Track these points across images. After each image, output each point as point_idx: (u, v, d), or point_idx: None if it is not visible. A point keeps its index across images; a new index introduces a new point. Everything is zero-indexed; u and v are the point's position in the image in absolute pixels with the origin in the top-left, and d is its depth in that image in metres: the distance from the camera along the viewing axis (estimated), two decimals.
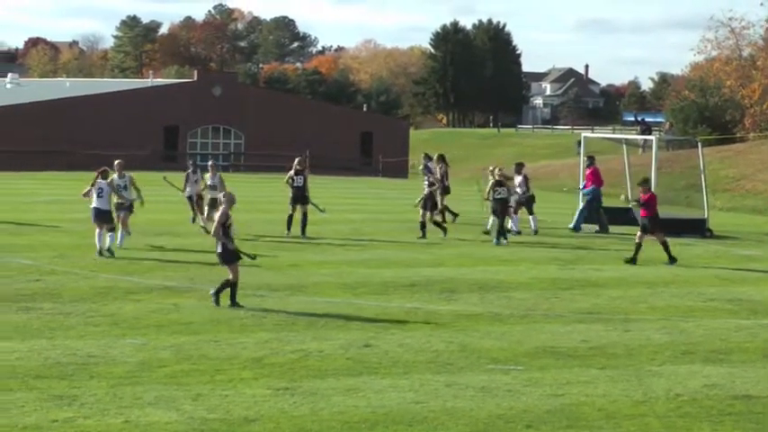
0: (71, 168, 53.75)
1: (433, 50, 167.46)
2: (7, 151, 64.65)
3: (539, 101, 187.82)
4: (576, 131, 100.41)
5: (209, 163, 32.38)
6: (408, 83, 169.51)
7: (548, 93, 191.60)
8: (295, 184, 30.29)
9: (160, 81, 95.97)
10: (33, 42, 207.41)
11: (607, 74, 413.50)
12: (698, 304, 21.36)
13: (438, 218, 31.48)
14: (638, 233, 26.92)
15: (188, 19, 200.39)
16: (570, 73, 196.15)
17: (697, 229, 34.11)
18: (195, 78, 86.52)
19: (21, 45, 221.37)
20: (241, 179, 33.79)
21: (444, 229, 30.74)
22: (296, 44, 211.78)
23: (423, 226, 30.23)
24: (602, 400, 13.87)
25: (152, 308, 19.18)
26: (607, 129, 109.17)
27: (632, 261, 26.42)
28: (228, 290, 19.42)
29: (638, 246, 26.62)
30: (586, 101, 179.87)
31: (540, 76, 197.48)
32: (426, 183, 30.93)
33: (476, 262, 26.21)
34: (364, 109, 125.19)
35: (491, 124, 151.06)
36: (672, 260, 26.63)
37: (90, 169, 29.38)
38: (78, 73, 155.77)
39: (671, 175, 50.44)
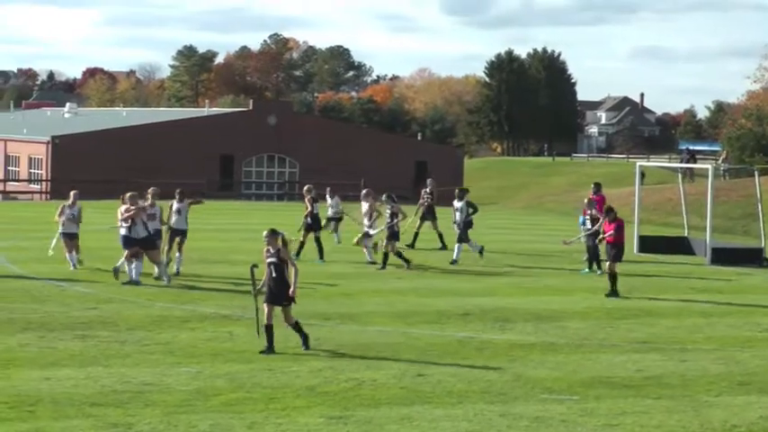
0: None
1: (487, 79, 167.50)
2: (66, 180, 65.34)
3: (594, 129, 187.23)
4: (631, 160, 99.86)
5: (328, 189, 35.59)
6: (463, 111, 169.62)
7: (603, 121, 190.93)
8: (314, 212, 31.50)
9: (216, 110, 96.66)
10: (91, 72, 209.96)
11: (663, 102, 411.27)
12: (755, 334, 21.15)
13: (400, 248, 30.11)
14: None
15: (244, 48, 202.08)
16: (626, 101, 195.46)
17: (754, 258, 33.81)
18: (251, 107, 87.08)
19: (79, 75, 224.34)
20: (295, 208, 33.93)
21: (407, 261, 29.61)
22: (351, 73, 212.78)
23: (385, 257, 29.54)
24: (658, 431, 13.75)
25: (207, 336, 19.27)
26: (663, 158, 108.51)
27: (613, 293, 25.35)
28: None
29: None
30: (642, 129, 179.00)
31: (595, 105, 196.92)
32: (389, 213, 29.89)
33: (528, 291, 26.12)
34: (419, 137, 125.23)
35: (545, 153, 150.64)
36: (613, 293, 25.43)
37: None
38: (135, 102, 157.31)
39: (727, 204, 50.04)
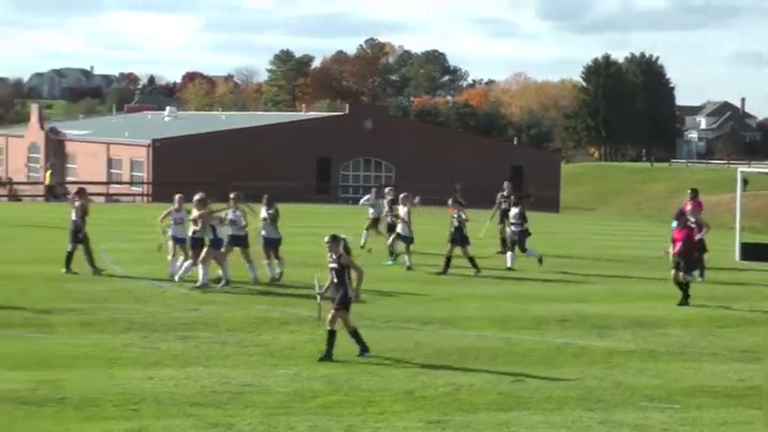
0: (225, 200, 54.66)
1: (584, 84, 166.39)
2: (166, 183, 66.20)
3: (693, 135, 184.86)
4: (731, 166, 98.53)
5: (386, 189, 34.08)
6: (559, 116, 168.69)
7: (702, 126, 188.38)
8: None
9: (313, 114, 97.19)
10: (191, 77, 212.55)
11: (764, 107, 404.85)
12: None
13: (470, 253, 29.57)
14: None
15: (340, 53, 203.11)
16: (726, 107, 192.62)
17: None
18: (347, 111, 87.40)
19: (179, 79, 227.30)
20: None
21: (477, 268, 29.12)
22: (446, 77, 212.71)
23: (447, 261, 29.12)
24: None
25: (305, 338, 19.40)
26: (765, 163, 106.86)
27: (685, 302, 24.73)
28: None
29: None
30: (743, 135, 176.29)
31: (694, 110, 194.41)
32: (455, 217, 29.35)
33: (627, 298, 25.87)
34: (515, 142, 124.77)
35: (643, 158, 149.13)
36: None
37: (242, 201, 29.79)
38: (233, 106, 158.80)
39: None
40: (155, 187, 68.45)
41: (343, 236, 18.11)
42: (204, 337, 19.28)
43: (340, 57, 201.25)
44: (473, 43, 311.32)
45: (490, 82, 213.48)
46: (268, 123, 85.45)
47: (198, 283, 24.76)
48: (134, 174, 77.58)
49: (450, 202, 29.97)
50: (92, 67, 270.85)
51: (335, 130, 79.99)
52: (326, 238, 18.02)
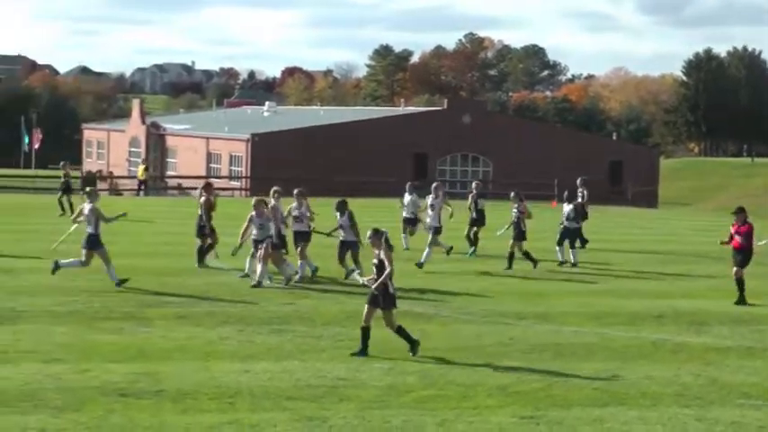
0: (322, 194, 55.01)
1: (685, 78, 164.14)
2: (264, 178, 66.76)
3: None
4: None
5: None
6: (659, 111, 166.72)
7: None
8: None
9: (411, 109, 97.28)
10: (290, 72, 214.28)
11: None
12: None
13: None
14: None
15: (439, 48, 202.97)
16: None
17: None
18: (445, 106, 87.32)
19: (278, 74, 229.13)
20: (489, 207, 33.86)
21: (535, 261, 29.00)
22: (545, 72, 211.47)
23: (511, 257, 28.97)
24: None
25: None
26: None
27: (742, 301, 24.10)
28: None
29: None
30: None
31: None
32: (515, 212, 29.36)
33: (724, 294, 25.42)
34: (614, 137, 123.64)
35: (744, 154, 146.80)
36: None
37: (339, 195, 29.93)
38: (332, 101, 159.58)
39: None
40: (253, 182, 69.04)
41: (383, 229, 17.86)
42: (299, 330, 19.42)
43: (439, 52, 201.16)
44: (572, 38, 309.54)
45: (590, 77, 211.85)
46: (366, 118, 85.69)
47: (253, 282, 24.41)
48: (233, 168, 78.36)
49: (512, 195, 29.75)
50: (193, 63, 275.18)
51: (433, 126, 79.97)
52: (368, 233, 17.80)
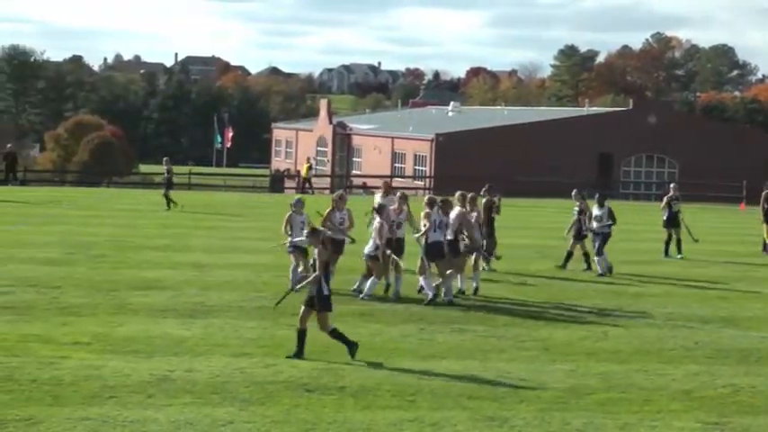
0: (506, 195, 55.00)
1: None
2: (448, 176, 67.05)
3: None
4: None
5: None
6: None
7: None
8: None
9: (595, 109, 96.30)
10: (475, 72, 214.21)
11: None
12: None
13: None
14: None
15: (625, 47, 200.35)
16: None
17: None
18: (630, 107, 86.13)
19: (463, 74, 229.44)
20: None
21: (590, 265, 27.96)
22: (735, 72, 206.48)
23: (586, 257, 28.04)
24: None
25: (581, 335, 19.30)
26: None
27: None
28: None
29: None
30: None
31: None
32: (576, 210, 28.35)
33: None
34: None
35: None
36: None
37: (527, 196, 29.87)
38: (516, 101, 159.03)
39: None
40: (437, 181, 69.35)
41: (322, 228, 17.33)
42: (480, 330, 19.44)
43: (625, 51, 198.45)
44: (764, 37, 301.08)
45: None
46: (550, 118, 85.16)
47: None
48: (417, 167, 78.82)
49: (574, 194, 29.13)
50: (379, 63, 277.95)
51: (618, 126, 79.00)
52: (305, 232, 17.04)
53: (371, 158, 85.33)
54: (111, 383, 14.69)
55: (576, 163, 73.25)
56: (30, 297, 21.10)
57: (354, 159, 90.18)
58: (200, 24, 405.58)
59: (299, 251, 22.47)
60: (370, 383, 15.14)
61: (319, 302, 16.46)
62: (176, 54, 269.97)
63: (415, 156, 79.64)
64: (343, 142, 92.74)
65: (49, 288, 22.16)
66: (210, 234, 33.51)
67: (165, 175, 43.75)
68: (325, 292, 16.46)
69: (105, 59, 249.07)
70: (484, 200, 27.58)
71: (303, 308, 16.66)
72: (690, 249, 32.20)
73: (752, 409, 14.48)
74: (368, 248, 22.57)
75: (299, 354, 16.52)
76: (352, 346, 16.58)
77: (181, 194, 48.11)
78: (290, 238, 22.58)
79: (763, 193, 33.73)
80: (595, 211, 27.96)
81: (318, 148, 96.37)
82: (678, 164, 78.92)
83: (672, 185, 33.51)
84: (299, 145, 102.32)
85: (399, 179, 76.16)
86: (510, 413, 13.89)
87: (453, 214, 22.78)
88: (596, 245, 27.60)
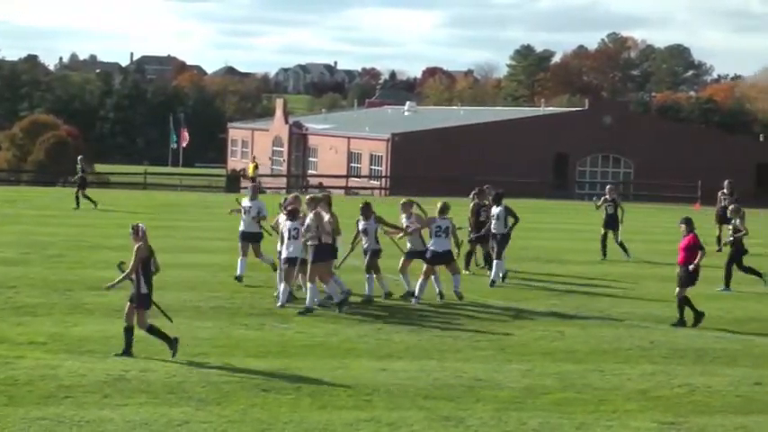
0: (463, 195, 55.08)
1: None
2: (403, 176, 67.10)
3: None
4: None
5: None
6: None
7: None
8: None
9: (551, 109, 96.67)
10: (431, 72, 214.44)
11: None
12: None
13: None
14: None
15: (581, 48, 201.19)
16: None
17: None
18: (586, 107, 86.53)
19: (419, 75, 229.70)
20: (630, 208, 33.49)
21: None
22: (690, 72, 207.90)
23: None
24: None
25: (537, 334, 19.35)
26: None
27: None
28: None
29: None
30: None
31: None
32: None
33: None
34: (761, 139, 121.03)
35: None
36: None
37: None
38: (472, 101, 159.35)
39: None
40: (393, 181, 69.41)
41: (141, 224, 16.98)
42: (436, 330, 19.44)
43: (581, 51, 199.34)
44: (719, 37, 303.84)
45: (737, 77, 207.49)
46: (506, 119, 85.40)
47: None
48: (373, 167, 78.83)
49: (606, 190, 29.81)
50: (335, 63, 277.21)
51: (574, 126, 79.33)
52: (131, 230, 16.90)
53: (328, 158, 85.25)
54: (66, 383, 14.60)
55: (531, 163, 73.49)
56: None
57: (310, 159, 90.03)
58: (158, 24, 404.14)
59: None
60: (327, 383, 15.12)
61: (137, 299, 16.44)
62: (132, 54, 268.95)
63: (371, 156, 79.63)
64: (299, 142, 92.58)
65: (4, 288, 21.97)
66: (167, 234, 33.26)
67: (80, 174, 42.98)
68: (143, 291, 16.44)
69: (61, 59, 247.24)
70: (472, 203, 27.40)
71: (128, 304, 16.60)
72: (644, 249, 32.37)
73: (708, 408, 14.57)
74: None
75: (126, 351, 16.36)
76: (172, 344, 16.43)
77: (136, 194, 47.84)
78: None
79: (719, 193, 33.88)
80: (493, 210, 25.86)
81: (274, 148, 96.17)
82: (633, 164, 79.36)
83: (608, 187, 32.59)
84: (254, 145, 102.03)
85: (355, 179, 76.28)
86: (466, 413, 13.91)
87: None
88: (495, 247, 25.37)
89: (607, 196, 30.72)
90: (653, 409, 14.40)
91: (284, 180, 77.28)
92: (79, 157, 44.80)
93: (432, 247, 22.43)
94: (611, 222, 30.49)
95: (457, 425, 13.41)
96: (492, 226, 25.57)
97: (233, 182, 70.80)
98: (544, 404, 14.52)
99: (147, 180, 65.39)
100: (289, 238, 21.06)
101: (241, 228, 24.44)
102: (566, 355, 17.60)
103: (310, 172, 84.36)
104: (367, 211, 22.77)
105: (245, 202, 24.59)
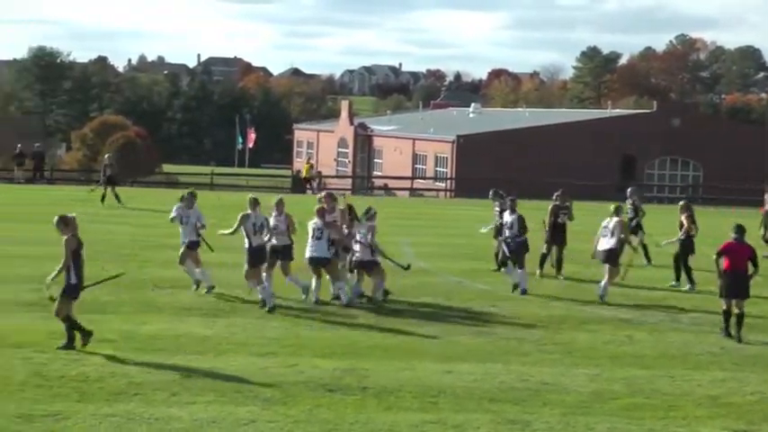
0: (531, 197, 54.88)
1: None
2: (469, 178, 66.94)
3: None
4: None
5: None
6: None
7: None
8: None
9: (618, 111, 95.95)
10: (496, 74, 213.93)
11: None
12: None
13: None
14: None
15: (648, 49, 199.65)
16: None
17: None
18: (654, 109, 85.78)
19: (484, 76, 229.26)
20: (698, 212, 33.06)
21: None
22: (761, 74, 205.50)
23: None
24: None
25: (605, 339, 19.19)
26: None
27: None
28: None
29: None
30: None
31: None
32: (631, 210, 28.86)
33: None
34: None
35: None
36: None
37: (547, 198, 29.84)
38: (538, 103, 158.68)
39: None
40: (458, 183, 69.28)
41: (72, 215, 17.04)
42: (502, 333, 19.36)
43: (648, 53, 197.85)
44: None
45: None
46: (572, 120, 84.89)
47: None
48: (438, 169, 78.71)
49: (629, 192, 29.41)
50: (400, 64, 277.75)
51: (642, 128, 78.65)
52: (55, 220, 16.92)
53: (392, 160, 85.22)
54: (136, 380, 14.76)
55: (598, 165, 72.97)
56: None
57: (375, 160, 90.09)
58: (223, 26, 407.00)
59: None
60: (393, 384, 15.10)
61: (67, 289, 16.64)
62: (199, 55, 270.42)
63: (436, 157, 79.50)
64: (364, 143, 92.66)
65: None
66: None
67: (108, 171, 42.66)
68: (73, 281, 16.66)
69: (129, 60, 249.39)
70: (551, 206, 27.24)
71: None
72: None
73: None
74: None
75: (68, 344, 16.54)
76: (86, 336, 16.61)
77: (202, 194, 47.91)
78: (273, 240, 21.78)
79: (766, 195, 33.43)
80: (506, 216, 24.96)
81: (340, 149, 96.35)
82: (702, 167, 78.59)
83: (629, 190, 31.41)
84: (320, 146, 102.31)
85: (420, 180, 76.24)
86: (532, 417, 13.83)
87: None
88: (507, 255, 24.48)
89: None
90: (724, 416, 14.22)
91: (349, 181, 77.36)
92: (107, 155, 45.08)
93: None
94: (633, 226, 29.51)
95: (523, 428, 13.34)
96: (506, 234, 24.61)
97: (298, 183, 70.92)
98: (612, 409, 14.39)
99: (213, 181, 65.80)
100: (312, 238, 21.35)
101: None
102: (634, 360, 17.44)
103: (375, 173, 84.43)
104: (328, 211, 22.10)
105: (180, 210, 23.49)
